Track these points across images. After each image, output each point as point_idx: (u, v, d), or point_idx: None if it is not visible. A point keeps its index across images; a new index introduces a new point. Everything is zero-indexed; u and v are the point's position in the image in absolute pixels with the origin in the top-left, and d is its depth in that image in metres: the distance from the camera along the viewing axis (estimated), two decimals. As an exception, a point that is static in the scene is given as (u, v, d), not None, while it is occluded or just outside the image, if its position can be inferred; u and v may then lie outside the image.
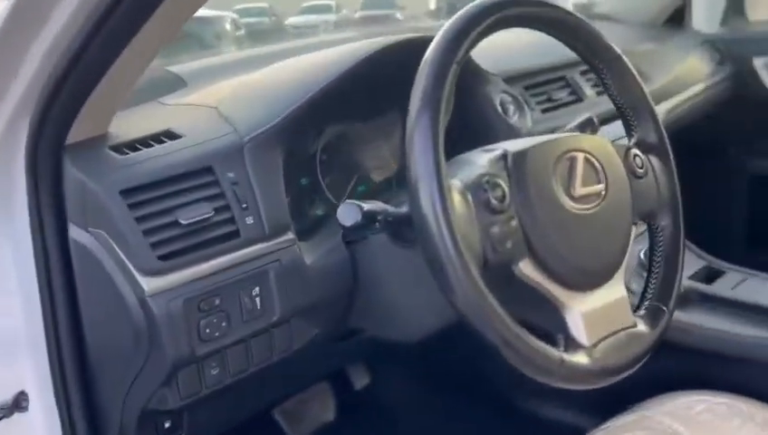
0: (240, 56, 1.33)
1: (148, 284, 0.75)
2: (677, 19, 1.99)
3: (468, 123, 1.08)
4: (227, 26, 7.47)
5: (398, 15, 12.08)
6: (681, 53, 1.83)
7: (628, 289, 0.82)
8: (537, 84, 1.27)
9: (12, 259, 0.78)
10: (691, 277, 1.28)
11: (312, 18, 12.17)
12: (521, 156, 0.75)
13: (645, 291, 0.84)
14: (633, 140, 0.87)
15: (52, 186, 0.77)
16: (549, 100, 1.26)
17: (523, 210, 0.73)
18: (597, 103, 1.30)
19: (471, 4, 0.76)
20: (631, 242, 0.81)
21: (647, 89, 0.88)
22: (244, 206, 0.82)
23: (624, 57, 0.86)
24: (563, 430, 1.27)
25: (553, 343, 0.73)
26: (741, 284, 1.25)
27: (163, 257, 0.76)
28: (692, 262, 1.30)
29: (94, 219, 0.76)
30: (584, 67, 1.33)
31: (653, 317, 0.82)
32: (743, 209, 2.01)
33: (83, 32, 0.67)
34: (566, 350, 0.73)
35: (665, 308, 0.83)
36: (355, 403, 1.46)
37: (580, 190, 0.76)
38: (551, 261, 0.73)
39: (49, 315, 0.79)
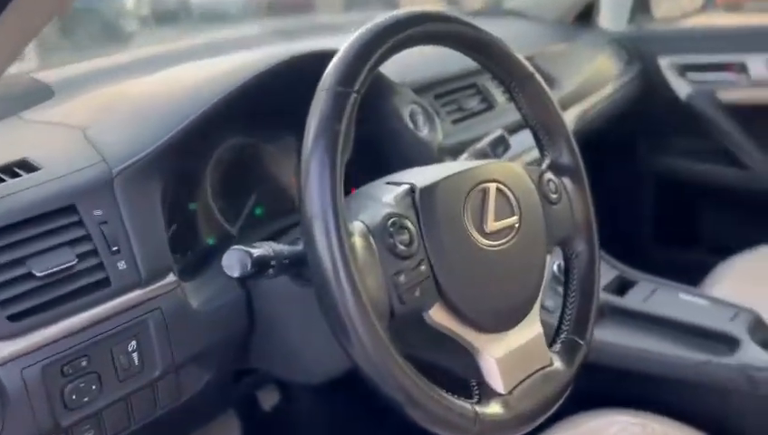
0: (122, 60, 1.20)
1: None
2: (586, 17, 2.00)
3: (375, 138, 1.01)
4: (130, 3, 7.13)
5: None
6: (590, 52, 1.82)
7: (543, 307, 0.78)
8: (447, 93, 1.21)
9: None
10: (604, 288, 1.27)
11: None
12: (429, 192, 0.69)
13: (560, 324, 0.81)
14: (546, 163, 0.83)
15: None
16: (459, 109, 1.21)
17: (432, 253, 0.67)
18: (507, 110, 1.25)
19: (373, 23, 0.69)
20: (546, 274, 0.78)
21: (559, 108, 0.84)
22: (115, 248, 0.71)
23: (537, 75, 0.82)
24: None
25: (467, 390, 0.68)
26: (652, 295, 1.26)
27: (14, 317, 0.65)
28: (605, 271, 1.29)
29: None
30: None
31: (569, 352, 0.78)
32: (652, 209, 2.03)
33: None
34: (480, 400, 0.68)
35: (581, 342, 0.79)
36: (265, 424, 1.37)
37: (492, 225, 0.71)
38: (463, 305, 0.68)
39: None
